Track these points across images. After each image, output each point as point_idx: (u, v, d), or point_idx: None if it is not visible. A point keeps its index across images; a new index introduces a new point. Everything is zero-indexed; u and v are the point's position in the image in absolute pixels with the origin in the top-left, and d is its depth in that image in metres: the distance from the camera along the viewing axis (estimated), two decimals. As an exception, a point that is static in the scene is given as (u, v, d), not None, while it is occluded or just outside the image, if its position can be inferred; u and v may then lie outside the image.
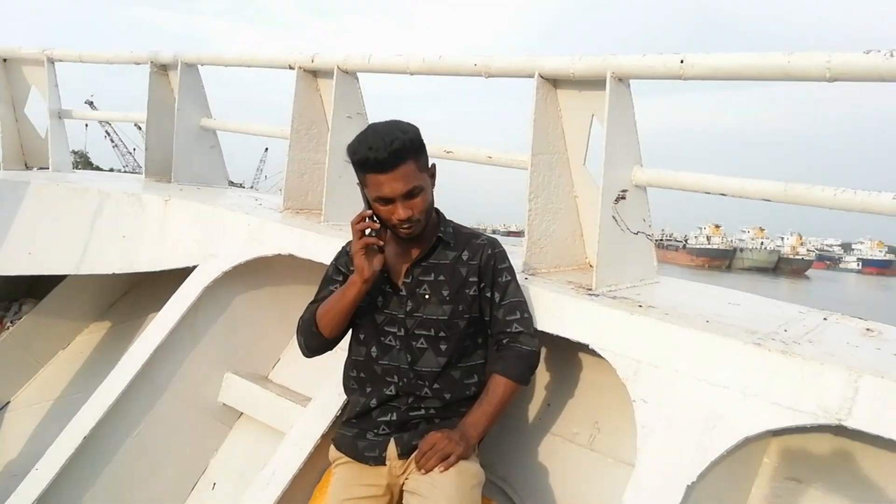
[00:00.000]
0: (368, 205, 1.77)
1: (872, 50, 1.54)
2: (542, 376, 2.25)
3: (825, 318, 1.92)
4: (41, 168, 3.96)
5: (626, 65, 1.97)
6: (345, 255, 1.92)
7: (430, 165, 1.81)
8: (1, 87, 3.87)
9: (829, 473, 1.75)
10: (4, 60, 3.88)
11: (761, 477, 1.83)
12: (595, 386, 2.14)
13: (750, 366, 1.60)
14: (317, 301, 1.90)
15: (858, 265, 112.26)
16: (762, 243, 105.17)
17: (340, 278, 1.89)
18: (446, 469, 1.71)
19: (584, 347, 2.07)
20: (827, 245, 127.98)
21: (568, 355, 2.17)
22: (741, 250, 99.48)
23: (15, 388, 3.44)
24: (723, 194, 1.94)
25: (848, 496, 1.71)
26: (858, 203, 1.69)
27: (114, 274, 3.24)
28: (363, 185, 1.75)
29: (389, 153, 1.66)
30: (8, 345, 3.45)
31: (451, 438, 1.74)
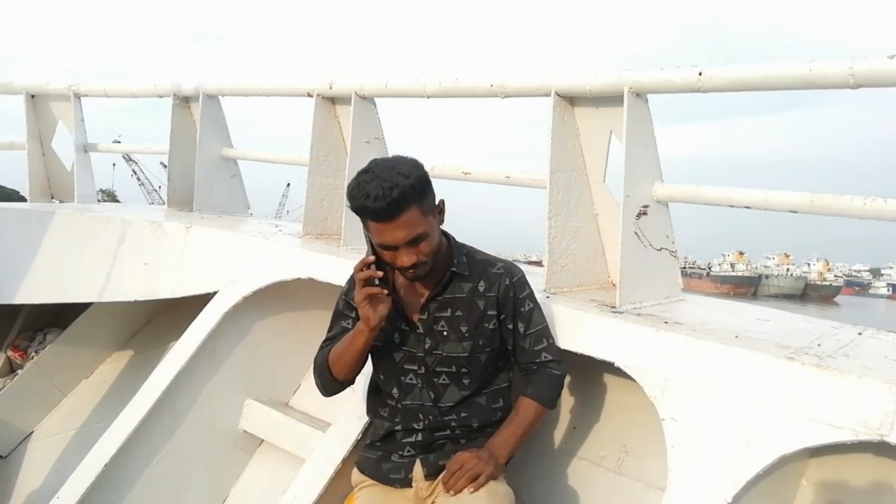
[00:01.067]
0: (372, 248, 1.68)
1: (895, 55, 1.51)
2: (567, 398, 2.19)
3: (860, 333, 1.85)
4: (67, 201, 4.03)
5: (643, 79, 1.95)
6: (353, 287, 1.79)
7: (437, 202, 1.71)
8: (29, 123, 3.96)
9: (872, 497, 1.67)
10: (33, 97, 3.98)
11: (800, 500, 1.75)
12: (622, 407, 2.08)
13: (784, 381, 1.54)
14: (329, 339, 1.86)
15: (889, 290, 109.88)
16: (788, 269, 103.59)
17: (353, 314, 1.80)
18: (476, 490, 1.65)
19: (609, 367, 2.02)
20: (855, 270, 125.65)
21: (593, 376, 2.12)
22: (766, 277, 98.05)
23: (38, 417, 3.45)
24: (747, 207, 1.90)
25: (893, 519, 1.63)
26: (889, 212, 1.63)
27: (136, 302, 3.27)
28: (364, 227, 1.68)
29: (389, 203, 1.56)
30: (32, 374, 3.47)
31: (481, 458, 1.69)
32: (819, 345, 1.67)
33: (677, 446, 1.61)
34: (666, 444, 1.65)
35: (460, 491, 1.66)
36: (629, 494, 1.98)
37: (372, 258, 1.67)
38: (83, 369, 3.55)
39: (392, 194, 1.56)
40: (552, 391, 1.80)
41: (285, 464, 2.56)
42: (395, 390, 1.81)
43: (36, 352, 3.57)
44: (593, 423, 2.13)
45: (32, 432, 3.45)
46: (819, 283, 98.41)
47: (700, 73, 1.83)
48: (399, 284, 1.79)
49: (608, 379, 2.11)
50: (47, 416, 3.46)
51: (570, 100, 2.18)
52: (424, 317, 1.78)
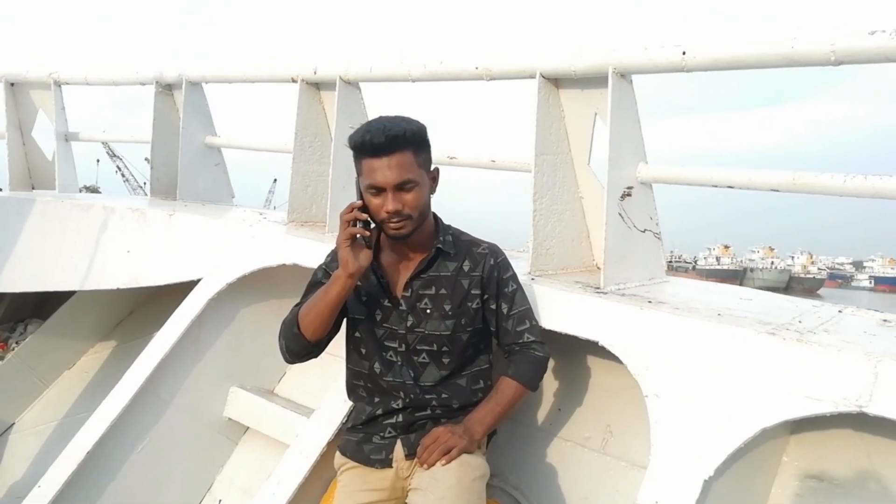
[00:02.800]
0: (361, 198, 1.69)
1: (877, 30, 1.52)
2: (551, 381, 2.20)
3: (840, 311, 1.87)
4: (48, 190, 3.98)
5: (627, 59, 1.95)
6: (334, 259, 1.81)
7: (432, 168, 1.75)
8: (8, 111, 3.89)
9: (851, 470, 1.69)
10: (12, 85, 3.92)
11: (781, 476, 1.76)
12: (606, 389, 2.09)
13: (765, 356, 1.55)
14: (300, 305, 1.80)
15: (871, 283, 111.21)
16: (772, 263, 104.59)
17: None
18: (448, 462, 1.66)
19: (593, 349, 2.03)
20: (838, 263, 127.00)
21: (578, 358, 2.13)
22: (751, 270, 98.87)
23: (20, 409, 3.41)
24: (730, 186, 1.91)
25: (871, 492, 1.65)
26: (869, 188, 1.65)
27: (119, 292, 3.23)
28: (358, 173, 1.69)
29: (387, 137, 1.61)
30: (13, 366, 3.43)
31: (455, 432, 1.70)
32: (800, 321, 1.69)
33: (660, 422, 1.62)
34: (649, 422, 1.66)
35: (433, 464, 1.67)
36: (613, 474, 1.99)
37: (359, 203, 1.68)
38: (65, 360, 3.51)
39: (392, 131, 1.62)
40: (534, 372, 1.79)
41: (271, 451, 2.55)
42: (376, 365, 1.80)
43: (17, 343, 3.53)
44: (578, 404, 2.13)
45: (13, 424, 3.41)
46: (803, 275, 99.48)
47: (684, 53, 1.83)
48: (384, 260, 1.79)
49: (592, 361, 2.12)
50: (29, 407, 3.42)
51: (555, 81, 2.17)
52: (408, 294, 1.78)
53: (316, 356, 1.81)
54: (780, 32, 1.67)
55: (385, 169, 1.63)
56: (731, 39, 1.76)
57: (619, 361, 1.83)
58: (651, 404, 1.65)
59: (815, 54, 1.62)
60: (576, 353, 2.11)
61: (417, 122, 1.70)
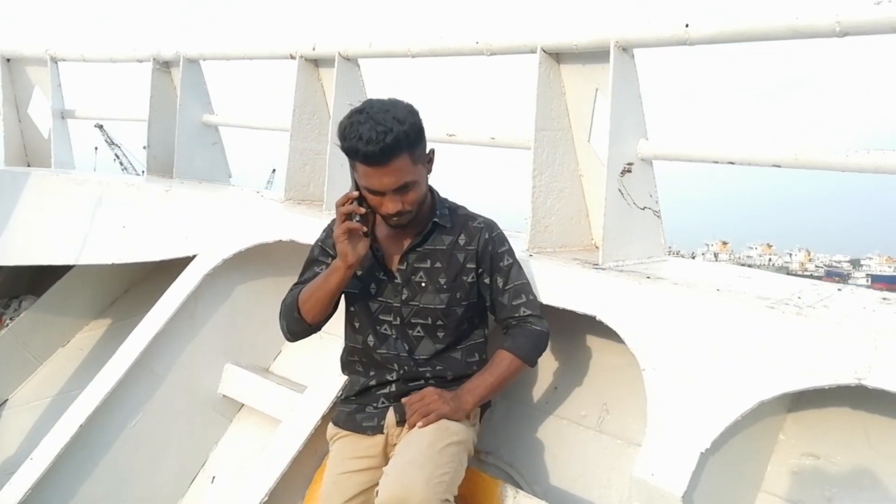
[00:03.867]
0: (356, 185, 1.66)
1: (883, 0, 1.50)
2: (548, 359, 2.18)
3: (839, 289, 1.86)
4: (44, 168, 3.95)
5: (629, 33, 1.93)
6: (329, 234, 1.81)
7: (427, 151, 1.71)
8: (4, 88, 3.86)
9: (849, 448, 1.68)
10: (8, 60, 3.88)
11: (777, 454, 1.75)
12: (603, 367, 2.08)
13: (763, 329, 1.54)
14: (300, 283, 1.81)
15: (868, 281, 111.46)
16: (770, 259, 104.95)
17: (328, 261, 1.77)
18: (424, 426, 1.64)
19: (591, 328, 2.02)
20: (836, 261, 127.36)
21: (575, 337, 2.12)
22: (749, 267, 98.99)
23: (13, 385, 3.39)
24: (731, 162, 1.89)
25: (868, 470, 1.64)
26: (871, 163, 1.63)
27: (114, 269, 3.21)
28: (352, 168, 1.65)
29: (381, 149, 1.53)
30: (7, 341, 3.40)
31: (442, 396, 1.69)
32: (799, 297, 1.67)
33: (657, 396, 1.61)
34: (646, 398, 1.65)
35: (412, 426, 1.66)
36: (610, 452, 1.98)
37: (356, 193, 1.64)
38: (60, 337, 3.49)
39: (385, 140, 1.53)
40: (530, 345, 1.75)
41: (266, 428, 2.53)
42: (370, 338, 1.79)
43: (11, 319, 3.51)
44: (574, 382, 2.12)
45: (7, 400, 3.39)
46: (800, 273, 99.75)
47: (687, 25, 1.80)
48: (379, 233, 1.77)
49: (590, 339, 2.10)
50: (23, 384, 3.40)
51: (557, 56, 2.15)
52: (403, 267, 1.76)
53: (316, 333, 1.83)
54: (784, 4, 1.65)
55: (382, 177, 1.58)
56: (735, 11, 1.73)
57: (617, 340, 1.81)
58: (648, 378, 1.64)
59: (820, 26, 1.60)
60: (573, 331, 2.09)
61: (409, 113, 1.61)
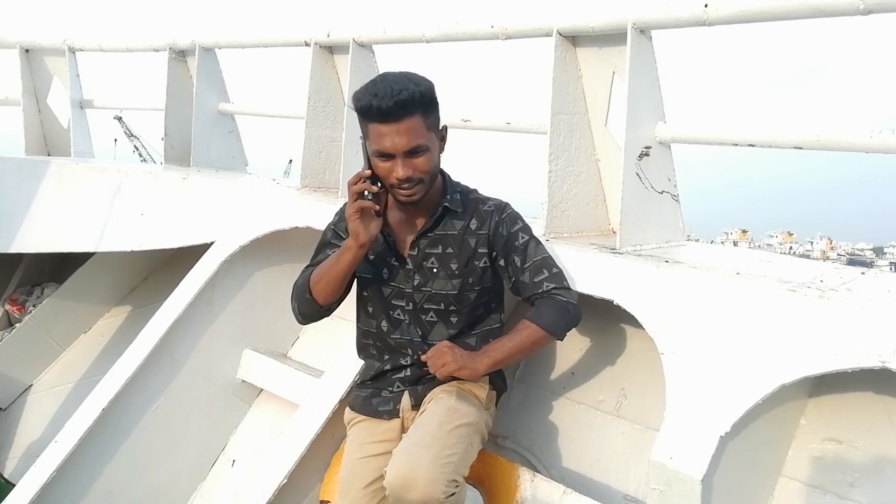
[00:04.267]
0: (369, 163, 1.64)
1: (909, -24, 1.46)
2: (565, 344, 2.16)
3: (863, 273, 1.83)
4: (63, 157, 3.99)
5: (647, 14, 1.90)
6: (343, 218, 1.75)
7: (441, 127, 1.69)
8: (24, 78, 3.90)
9: (871, 433, 1.65)
10: (27, 51, 3.92)
11: (798, 438, 1.73)
12: (621, 352, 2.07)
13: (785, 312, 1.52)
14: (312, 265, 1.79)
15: (892, 269, 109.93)
16: (791, 248, 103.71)
17: (340, 244, 1.73)
18: (441, 378, 1.67)
19: (608, 313, 2.00)
20: (858, 249, 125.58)
21: (592, 322, 2.10)
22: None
23: (37, 371, 3.46)
24: (751, 145, 1.86)
25: (891, 455, 1.62)
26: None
27: (134, 256, 3.25)
28: (365, 136, 1.64)
29: (395, 103, 1.53)
30: (30, 328, 3.46)
31: (456, 354, 1.66)
32: (821, 280, 1.65)
33: (675, 380, 1.59)
34: (665, 385, 1.64)
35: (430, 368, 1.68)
36: (628, 437, 1.98)
37: (368, 172, 1.62)
38: (81, 324, 3.54)
39: (401, 95, 1.54)
40: (555, 315, 1.69)
41: (285, 413, 2.56)
42: (384, 324, 1.78)
43: (34, 306, 3.57)
44: (592, 367, 2.11)
45: (31, 385, 3.45)
46: (822, 261, 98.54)
47: (706, 5, 1.77)
48: (391, 218, 1.74)
49: (607, 324, 2.09)
50: (46, 369, 3.46)
51: (573, 39, 2.12)
52: (414, 252, 1.74)
53: (328, 316, 1.81)
54: (807, -19, 1.61)
55: (394, 135, 1.56)
56: (756, -10, 1.70)
57: (634, 325, 1.80)
58: (667, 362, 1.62)
59: (843, 3, 1.56)
60: (591, 316, 2.07)
61: (425, 80, 1.63)
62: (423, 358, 1.71)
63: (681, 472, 1.48)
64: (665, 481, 1.51)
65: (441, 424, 1.60)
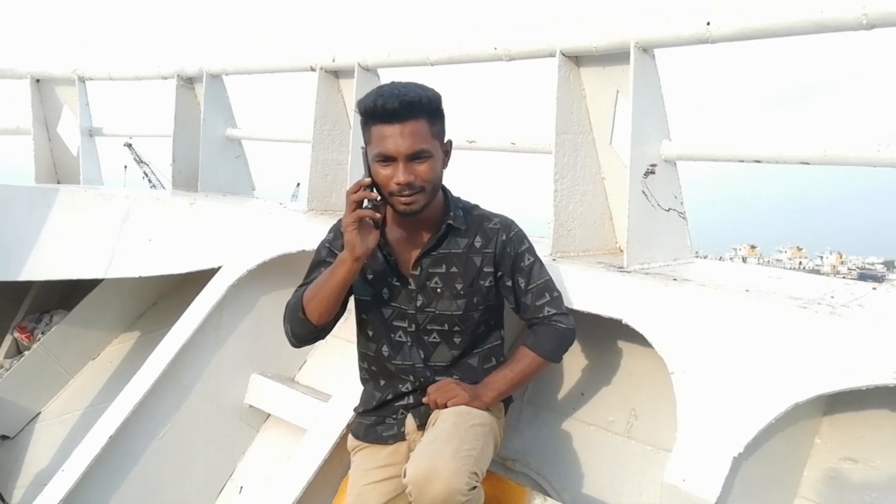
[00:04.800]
0: (369, 172, 1.58)
1: (911, -9, 1.46)
2: (574, 364, 2.16)
3: (874, 288, 1.81)
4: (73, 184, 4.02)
5: (649, 33, 1.91)
6: (339, 235, 1.68)
7: (446, 140, 1.65)
8: (34, 107, 3.95)
9: (889, 451, 1.62)
10: (38, 81, 3.98)
11: (813, 458, 1.70)
12: (630, 372, 2.05)
13: (796, 330, 1.50)
14: (305, 285, 1.72)
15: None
16: (800, 263, 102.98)
17: (333, 261, 1.65)
18: (445, 406, 1.63)
19: (617, 333, 1.99)
20: (868, 263, 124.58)
21: (601, 341, 2.09)
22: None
23: (45, 398, 3.45)
24: (757, 161, 1.85)
25: (911, 474, 1.58)
26: (904, 158, 1.59)
27: (142, 283, 3.26)
28: (367, 142, 1.59)
29: (401, 103, 1.51)
30: (38, 355, 3.47)
31: (462, 388, 1.66)
32: (832, 297, 1.63)
33: (686, 399, 1.57)
34: (675, 402, 1.62)
35: (431, 402, 1.66)
36: (639, 458, 1.95)
37: (368, 180, 1.57)
38: (90, 351, 3.54)
39: (406, 96, 1.52)
40: (554, 343, 1.71)
41: (293, 438, 2.54)
42: (384, 348, 1.74)
43: (42, 333, 3.58)
44: (601, 388, 2.09)
45: (39, 413, 3.45)
46: (832, 276, 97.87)
47: (708, 24, 1.78)
48: (391, 236, 1.69)
49: (616, 344, 2.07)
50: (54, 397, 3.46)
51: (576, 59, 2.13)
52: (417, 272, 1.69)
53: (322, 338, 1.74)
54: (808, -3, 1.62)
55: (398, 137, 1.52)
56: (757, 6, 1.70)
57: (643, 344, 1.78)
58: (677, 381, 1.60)
59: (846, 18, 1.56)
60: (599, 335, 2.06)
61: (432, 89, 1.61)
62: (427, 397, 1.69)
63: (694, 495, 1.45)
64: (679, 504, 1.48)
65: (456, 424, 1.57)
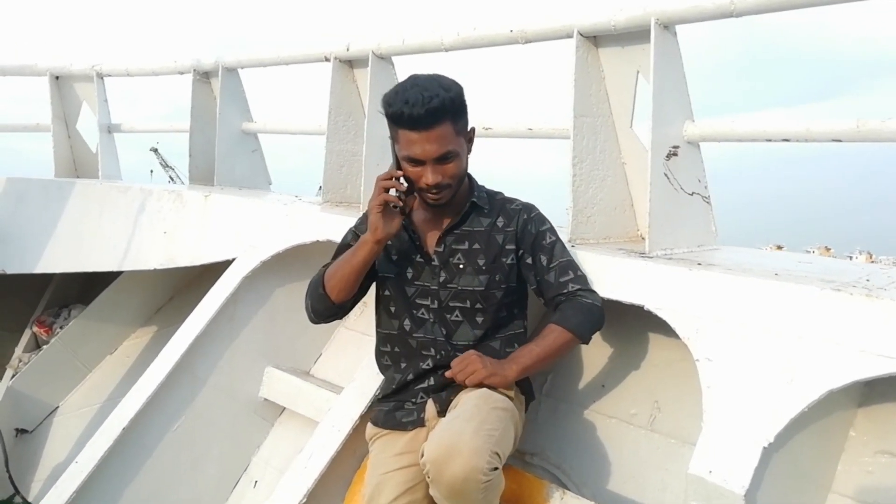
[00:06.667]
0: (398, 163, 1.65)
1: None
2: (594, 355, 2.08)
3: None
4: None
5: (670, 8, 1.84)
6: (364, 220, 1.77)
7: (469, 129, 1.69)
8: (54, 104, 3.97)
9: (930, 444, 1.53)
10: (57, 78, 4.00)
11: (848, 452, 1.61)
12: (653, 362, 1.97)
13: (830, 313, 1.41)
14: (329, 265, 1.79)
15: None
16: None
17: None
18: (467, 384, 1.59)
19: (639, 323, 1.92)
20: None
21: (622, 331, 2.01)
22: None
23: (64, 392, 3.46)
24: (786, 140, 1.77)
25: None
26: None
27: (158, 277, 3.25)
28: (394, 140, 1.65)
29: (427, 111, 1.53)
30: (57, 350, 3.48)
31: (485, 362, 1.61)
32: (868, 279, 1.54)
33: (712, 387, 1.49)
34: (701, 394, 1.54)
35: (454, 376, 1.62)
36: (663, 452, 1.87)
37: (399, 172, 1.63)
38: (107, 345, 3.54)
39: (431, 103, 1.54)
40: (581, 317, 1.65)
41: (308, 431, 2.47)
42: (406, 323, 1.74)
43: (61, 328, 3.59)
44: (623, 379, 2.01)
45: (58, 407, 3.46)
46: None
47: (732, -4, 1.70)
48: (416, 217, 1.74)
49: (637, 333, 2.00)
50: (72, 391, 3.46)
51: (594, 39, 2.07)
52: (441, 249, 1.72)
53: (340, 317, 1.81)
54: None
55: (425, 143, 1.57)
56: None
57: (666, 333, 1.71)
58: (702, 369, 1.52)
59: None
60: (620, 324, 1.99)
61: (454, 84, 1.63)
62: (449, 370, 1.64)
63: (722, 487, 1.37)
64: (705, 496, 1.40)
65: (478, 405, 1.54)
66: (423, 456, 1.46)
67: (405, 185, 1.64)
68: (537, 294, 1.76)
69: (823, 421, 1.51)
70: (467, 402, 1.56)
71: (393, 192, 1.62)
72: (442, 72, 1.67)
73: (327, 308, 1.73)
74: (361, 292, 1.75)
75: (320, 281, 1.72)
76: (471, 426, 1.45)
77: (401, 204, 1.63)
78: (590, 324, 1.67)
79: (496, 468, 1.42)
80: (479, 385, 1.62)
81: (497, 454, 1.43)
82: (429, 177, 1.59)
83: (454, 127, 1.60)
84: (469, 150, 1.70)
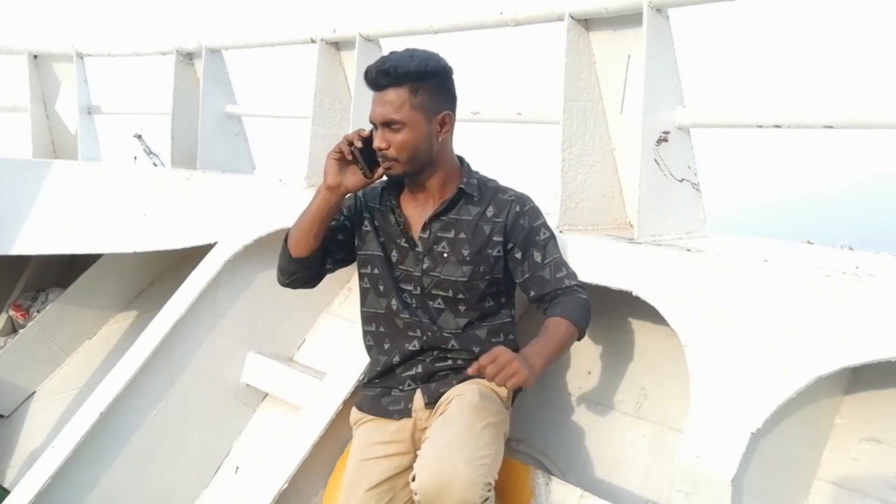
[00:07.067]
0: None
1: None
2: (581, 342, 2.03)
3: None
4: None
5: (663, -9, 1.81)
6: (351, 197, 1.75)
7: (440, 114, 1.62)
8: (32, 84, 3.88)
9: (915, 432, 1.53)
10: (35, 57, 3.90)
11: (834, 438, 1.61)
12: (640, 349, 1.96)
13: (819, 300, 1.41)
14: None
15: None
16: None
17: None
18: (506, 386, 1.42)
19: (626, 309, 1.91)
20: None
21: (609, 317, 2.00)
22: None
23: (41, 377, 3.40)
24: (777, 126, 1.75)
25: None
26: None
27: (139, 261, 3.19)
28: None
29: (379, 72, 1.57)
30: (33, 334, 3.41)
31: (516, 359, 1.43)
32: (857, 267, 1.53)
33: (700, 373, 1.48)
34: (689, 380, 1.53)
35: (492, 378, 1.42)
36: (649, 439, 1.86)
37: (367, 132, 1.64)
38: (86, 330, 3.49)
39: (386, 65, 1.57)
40: (581, 311, 1.61)
41: (290, 418, 2.47)
42: (393, 302, 1.70)
43: (38, 311, 3.52)
44: (609, 365, 2.00)
45: (35, 392, 3.40)
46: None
47: (727, -22, 1.68)
48: (403, 200, 1.71)
49: (625, 319, 1.99)
50: (50, 376, 3.41)
51: (585, 23, 2.04)
52: (426, 235, 1.69)
53: (307, 283, 1.78)
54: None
55: (376, 104, 1.60)
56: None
57: (654, 320, 1.70)
58: (691, 355, 1.51)
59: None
60: (607, 310, 1.97)
61: (435, 60, 1.62)
62: (480, 365, 1.44)
63: (709, 473, 1.36)
64: (691, 483, 1.39)
65: (470, 424, 1.51)
66: (413, 480, 1.45)
67: (360, 143, 1.63)
68: (523, 289, 1.70)
69: (810, 407, 1.51)
70: (459, 419, 1.52)
71: (357, 143, 1.61)
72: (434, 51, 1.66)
73: (289, 263, 1.72)
74: (320, 250, 1.70)
75: (284, 239, 1.74)
76: (464, 455, 1.43)
77: (357, 145, 1.62)
78: (588, 319, 1.63)
79: (487, 499, 1.43)
80: (468, 376, 1.59)
81: (489, 484, 1.44)
82: (376, 139, 1.60)
83: (410, 97, 1.57)
84: (442, 134, 1.64)
